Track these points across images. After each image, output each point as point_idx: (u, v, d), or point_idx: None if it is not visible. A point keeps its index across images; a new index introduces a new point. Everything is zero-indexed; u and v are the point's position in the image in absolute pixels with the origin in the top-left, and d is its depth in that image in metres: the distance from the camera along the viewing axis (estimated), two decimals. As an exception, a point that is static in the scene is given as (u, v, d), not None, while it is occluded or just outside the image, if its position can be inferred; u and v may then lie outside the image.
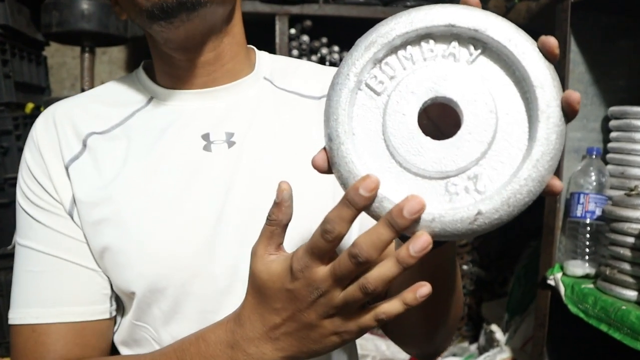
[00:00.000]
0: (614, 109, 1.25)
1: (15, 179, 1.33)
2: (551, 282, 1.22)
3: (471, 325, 1.86)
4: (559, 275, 1.22)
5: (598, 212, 1.22)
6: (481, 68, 0.40)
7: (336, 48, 2.02)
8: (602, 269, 1.14)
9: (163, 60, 0.65)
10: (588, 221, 1.22)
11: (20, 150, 1.35)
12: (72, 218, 0.62)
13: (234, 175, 0.62)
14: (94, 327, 0.62)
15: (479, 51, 0.40)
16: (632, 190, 1.13)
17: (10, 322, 0.62)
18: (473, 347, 1.75)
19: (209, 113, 0.65)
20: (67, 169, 0.62)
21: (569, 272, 1.21)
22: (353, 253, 0.39)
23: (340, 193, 0.40)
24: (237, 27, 0.67)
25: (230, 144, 0.64)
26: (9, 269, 1.36)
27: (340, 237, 0.40)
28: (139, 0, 0.57)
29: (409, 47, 0.40)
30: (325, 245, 0.40)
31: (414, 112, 0.40)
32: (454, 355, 1.72)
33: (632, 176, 1.20)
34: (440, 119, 0.44)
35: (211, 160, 0.62)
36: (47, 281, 0.61)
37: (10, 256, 1.37)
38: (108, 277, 0.63)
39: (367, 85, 0.41)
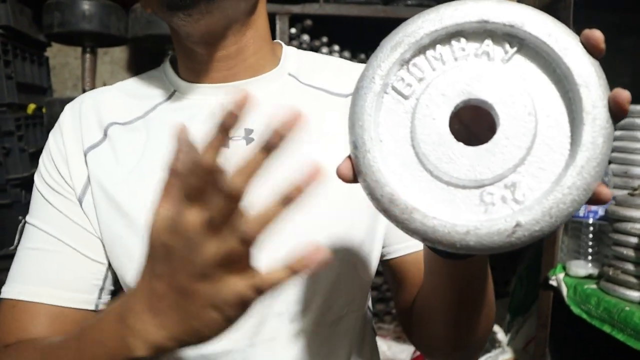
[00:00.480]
0: (617, 107, 1.25)
1: (18, 179, 1.35)
2: (553, 282, 1.22)
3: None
4: (561, 275, 1.21)
5: (601, 212, 1.21)
6: (518, 67, 0.37)
7: (337, 47, 2.01)
8: (605, 269, 1.13)
9: (185, 54, 0.65)
10: (591, 221, 1.21)
11: (22, 151, 1.36)
12: (80, 205, 0.62)
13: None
14: (74, 315, 0.61)
15: (515, 49, 0.37)
16: (635, 189, 1.12)
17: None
18: (476, 347, 1.76)
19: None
20: (85, 155, 0.63)
21: (572, 272, 1.20)
22: (227, 186, 0.35)
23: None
24: (260, 20, 0.65)
25: (249, 140, 0.62)
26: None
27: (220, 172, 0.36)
28: None
29: (438, 46, 0.38)
30: (199, 180, 0.35)
31: (445, 116, 0.37)
32: (457, 355, 1.73)
33: (636, 175, 1.19)
34: (473, 123, 0.41)
35: (228, 157, 0.61)
36: (40, 259, 0.61)
37: (11, 257, 1.39)
38: (113, 270, 0.63)
39: (394, 89, 0.39)
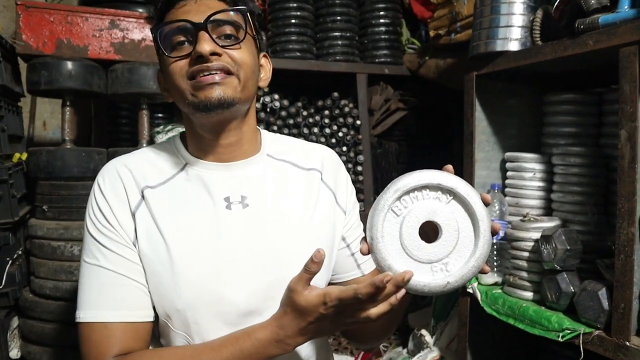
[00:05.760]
0: (509, 154, 1.61)
1: (9, 224, 1.45)
2: (470, 290, 1.54)
3: (399, 334, 2.19)
4: (475, 284, 1.54)
5: (502, 234, 1.54)
6: (453, 206, 0.72)
7: (277, 96, 2.27)
8: (506, 277, 1.46)
9: (196, 137, 0.89)
10: (495, 241, 1.54)
11: (13, 197, 1.46)
12: (135, 247, 0.83)
13: (247, 228, 0.87)
14: (145, 327, 0.83)
15: (452, 197, 0.72)
16: (524, 216, 1.47)
17: (82, 320, 0.81)
18: (405, 351, 2.05)
19: (229, 181, 0.89)
20: (134, 215, 0.84)
21: (483, 281, 1.54)
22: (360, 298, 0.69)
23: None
24: (252, 117, 0.91)
25: (245, 205, 0.88)
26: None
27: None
28: (189, 98, 0.81)
29: (415, 191, 0.72)
30: (354, 302, 0.70)
31: (417, 226, 0.71)
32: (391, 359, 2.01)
33: (524, 205, 1.56)
34: (429, 230, 0.75)
35: (231, 217, 0.87)
36: (112, 291, 0.82)
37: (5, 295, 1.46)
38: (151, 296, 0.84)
39: (392, 211, 0.72)
